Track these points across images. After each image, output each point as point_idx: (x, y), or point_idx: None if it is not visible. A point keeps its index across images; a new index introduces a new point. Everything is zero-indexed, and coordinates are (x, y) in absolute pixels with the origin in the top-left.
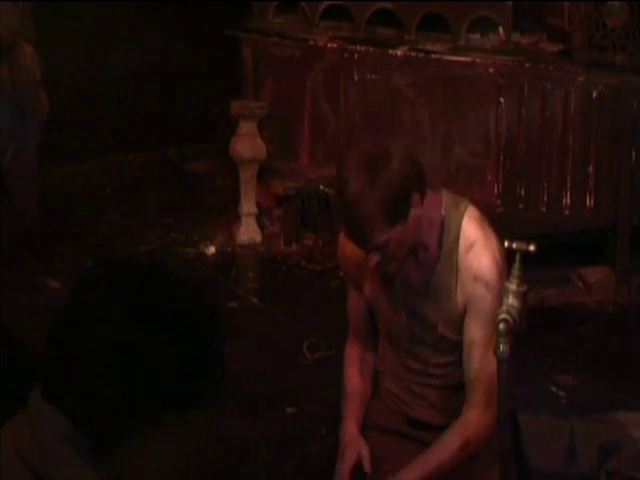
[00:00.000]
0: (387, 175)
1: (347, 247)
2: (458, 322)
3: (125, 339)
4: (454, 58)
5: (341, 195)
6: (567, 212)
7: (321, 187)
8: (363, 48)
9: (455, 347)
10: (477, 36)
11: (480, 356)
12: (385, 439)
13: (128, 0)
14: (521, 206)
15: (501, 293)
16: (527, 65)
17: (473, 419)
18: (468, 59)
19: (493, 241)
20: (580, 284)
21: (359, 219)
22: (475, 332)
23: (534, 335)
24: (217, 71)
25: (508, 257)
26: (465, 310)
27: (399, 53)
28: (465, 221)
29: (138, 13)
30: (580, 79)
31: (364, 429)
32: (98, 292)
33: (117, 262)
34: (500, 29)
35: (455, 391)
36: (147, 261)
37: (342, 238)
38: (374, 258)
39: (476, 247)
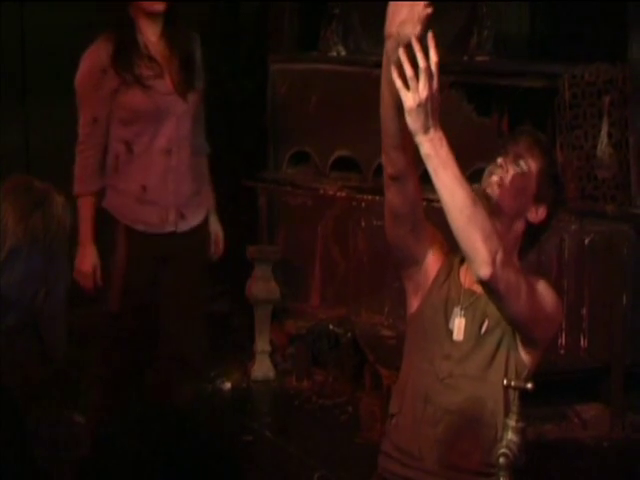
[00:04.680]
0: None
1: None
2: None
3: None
4: None
5: None
6: (563, 352)
7: (331, 327)
8: (370, 197)
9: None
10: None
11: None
12: None
13: None
14: None
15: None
16: None
17: None
18: None
19: None
20: (576, 420)
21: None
22: None
23: (533, 469)
24: (234, 218)
25: (507, 395)
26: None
27: None
28: None
29: None
30: (573, 227)
31: None
32: (128, 437)
33: (144, 403)
34: None
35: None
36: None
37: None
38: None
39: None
